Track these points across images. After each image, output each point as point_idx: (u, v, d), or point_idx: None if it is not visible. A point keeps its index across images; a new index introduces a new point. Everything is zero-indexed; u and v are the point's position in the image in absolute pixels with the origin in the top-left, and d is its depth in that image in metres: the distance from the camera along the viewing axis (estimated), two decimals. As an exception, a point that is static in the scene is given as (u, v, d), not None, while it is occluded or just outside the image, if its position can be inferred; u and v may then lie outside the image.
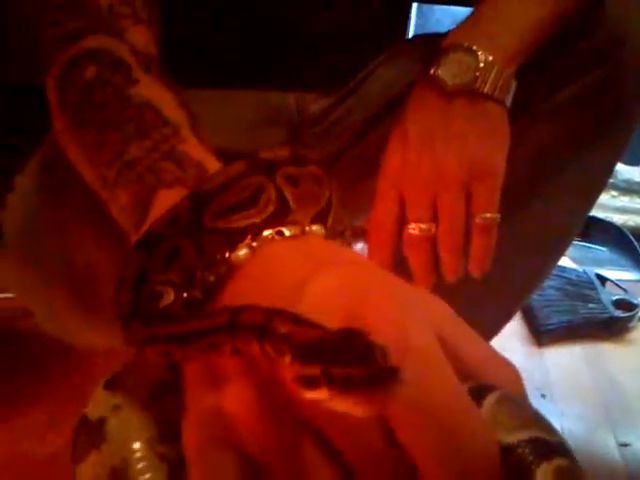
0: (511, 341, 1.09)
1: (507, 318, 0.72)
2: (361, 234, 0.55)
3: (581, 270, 1.33)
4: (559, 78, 0.56)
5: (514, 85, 0.49)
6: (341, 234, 0.31)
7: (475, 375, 0.24)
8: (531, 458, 0.22)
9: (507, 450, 0.22)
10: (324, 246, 0.28)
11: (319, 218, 0.29)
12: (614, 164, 0.63)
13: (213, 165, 0.32)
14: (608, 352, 1.10)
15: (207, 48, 0.64)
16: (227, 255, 0.26)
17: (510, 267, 0.64)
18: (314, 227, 0.28)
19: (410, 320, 0.23)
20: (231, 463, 0.23)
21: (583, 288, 1.26)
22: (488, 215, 0.48)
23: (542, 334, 1.12)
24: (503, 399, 0.23)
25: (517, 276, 0.64)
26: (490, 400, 0.23)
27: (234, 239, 0.26)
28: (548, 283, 1.25)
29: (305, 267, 0.25)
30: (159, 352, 0.24)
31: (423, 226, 0.48)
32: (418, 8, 1.53)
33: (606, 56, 0.55)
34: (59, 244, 0.49)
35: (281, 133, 0.70)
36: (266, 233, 0.27)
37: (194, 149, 0.34)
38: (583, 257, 1.46)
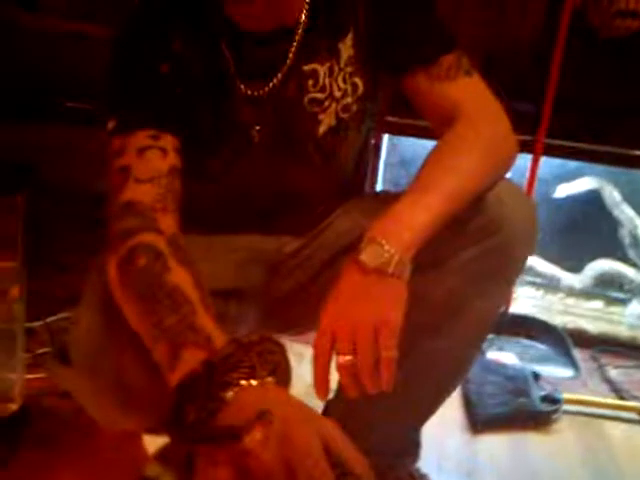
0: (450, 428, 1.31)
1: (429, 413, 0.95)
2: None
3: (520, 367, 1.55)
4: (459, 245, 0.80)
5: (410, 266, 0.69)
6: (284, 380, 0.55)
7: (344, 464, 0.48)
8: None
9: None
10: (273, 391, 0.53)
11: (272, 371, 0.54)
12: (500, 307, 0.87)
13: (216, 333, 0.57)
14: (532, 441, 1.30)
15: (209, 208, 0.88)
16: (222, 395, 0.50)
17: (423, 380, 0.87)
18: (269, 378, 0.53)
19: (309, 432, 0.47)
20: None
21: (519, 383, 1.46)
22: (388, 354, 0.66)
23: (477, 423, 1.32)
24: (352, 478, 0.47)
25: (427, 389, 0.89)
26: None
27: (226, 387, 0.51)
28: (489, 377, 1.47)
29: (260, 404, 0.49)
30: (184, 445, 0.48)
31: (347, 357, 0.67)
32: (391, 139, 1.82)
33: (490, 233, 0.79)
34: (111, 364, 0.70)
35: (262, 269, 0.94)
36: (243, 383, 0.51)
37: (205, 321, 0.59)
38: (525, 354, 1.68)
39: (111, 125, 0.77)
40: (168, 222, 0.72)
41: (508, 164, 0.81)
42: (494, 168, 0.78)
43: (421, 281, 0.76)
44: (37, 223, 1.26)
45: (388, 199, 0.74)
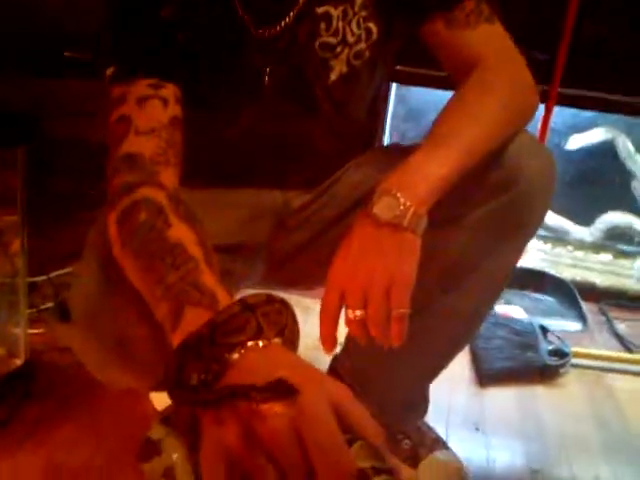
0: (458, 381, 1.30)
1: (439, 369, 0.94)
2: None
3: (527, 321, 1.54)
4: (476, 200, 0.76)
5: (425, 220, 0.66)
6: (291, 342, 0.53)
7: (354, 428, 0.45)
8: (371, 475, 0.44)
9: (361, 470, 0.44)
10: (280, 353, 0.50)
11: (280, 333, 0.51)
12: (515, 264, 0.84)
13: (220, 292, 0.54)
14: (539, 395, 1.30)
15: (214, 160, 0.84)
16: (227, 356, 0.48)
17: (434, 337, 0.86)
18: (276, 339, 0.50)
19: (319, 396, 0.45)
20: (224, 469, 0.44)
21: (526, 337, 1.46)
22: (401, 310, 0.64)
23: (484, 377, 1.32)
24: (364, 445, 0.45)
25: (438, 345, 0.87)
26: (356, 445, 0.45)
27: (232, 348, 0.48)
28: (496, 332, 1.46)
29: (267, 366, 0.47)
30: (188, 408, 0.46)
31: (357, 312, 0.65)
32: (399, 89, 1.76)
33: (508, 186, 0.75)
34: (111, 322, 0.68)
35: (269, 224, 0.91)
36: (249, 344, 0.48)
37: (209, 280, 0.56)
38: (533, 308, 1.67)
39: (110, 72, 0.73)
40: (169, 176, 0.69)
41: (529, 115, 0.78)
42: (515, 118, 0.75)
43: (437, 237, 0.74)
44: (40, 176, 1.23)
45: (402, 152, 0.71)
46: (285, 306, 0.53)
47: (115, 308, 0.67)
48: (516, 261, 0.85)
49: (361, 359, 0.96)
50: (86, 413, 1.07)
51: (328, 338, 0.67)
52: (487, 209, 0.76)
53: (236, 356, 0.47)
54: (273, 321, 0.51)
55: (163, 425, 0.49)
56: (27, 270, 1.18)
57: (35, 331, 1.21)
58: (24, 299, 1.16)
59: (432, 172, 0.67)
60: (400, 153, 0.71)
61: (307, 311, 1.51)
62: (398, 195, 0.66)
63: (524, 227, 0.80)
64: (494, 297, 0.87)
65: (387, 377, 0.93)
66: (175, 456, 0.48)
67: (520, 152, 0.76)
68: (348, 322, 0.67)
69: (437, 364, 0.92)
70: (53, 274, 1.41)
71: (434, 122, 0.72)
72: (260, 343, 0.49)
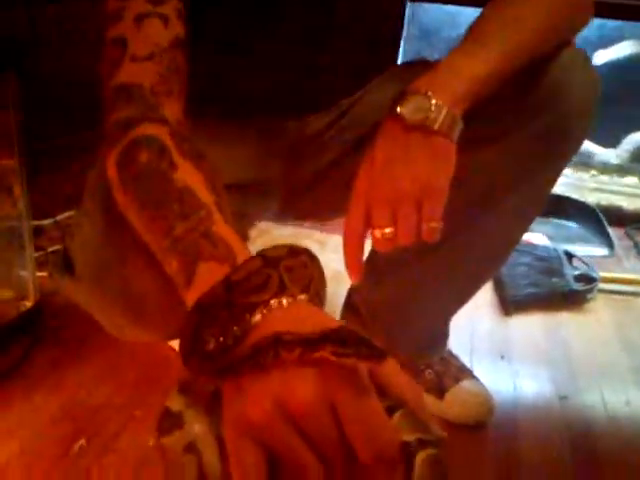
0: (482, 310, 1.26)
1: (465, 299, 0.89)
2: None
3: (552, 247, 1.48)
4: (516, 119, 0.69)
5: (460, 124, 0.59)
6: (318, 296, 0.46)
7: (393, 393, 0.40)
8: (415, 448, 0.38)
9: (405, 444, 0.38)
10: (307, 311, 0.43)
11: (305, 288, 0.44)
12: (551, 188, 0.78)
13: (236, 243, 0.47)
14: (565, 321, 1.26)
15: (221, 86, 0.76)
16: (248, 318, 0.41)
17: (464, 264, 0.81)
18: (301, 296, 0.43)
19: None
20: (251, 447, 0.38)
21: (551, 263, 1.41)
22: (433, 224, 0.59)
23: (509, 304, 1.28)
24: (405, 413, 0.40)
25: (467, 274, 0.82)
26: (398, 414, 0.39)
27: (253, 308, 0.42)
28: (520, 259, 1.41)
29: (294, 327, 0.40)
30: (206, 377, 0.41)
31: (386, 231, 0.59)
32: (411, 7, 1.64)
33: (549, 106, 0.68)
34: (118, 275, 0.62)
35: (283, 155, 0.82)
36: (272, 302, 0.42)
37: (222, 229, 0.48)
38: (557, 234, 1.61)
39: None
40: (172, 108, 0.61)
41: (579, 25, 0.70)
42: (564, 26, 0.67)
43: (473, 157, 0.68)
44: (40, 115, 1.16)
45: (430, 66, 0.63)
46: (311, 257, 0.46)
47: (121, 259, 0.61)
48: (552, 185, 0.79)
49: (380, 291, 0.90)
50: (102, 354, 1.04)
51: (354, 264, 0.61)
52: (527, 130, 0.69)
53: (258, 317, 0.41)
54: (298, 276, 0.44)
55: (182, 394, 0.44)
56: (31, 212, 1.13)
57: (43, 274, 1.17)
58: (30, 241, 1.12)
59: (469, 71, 0.60)
60: (428, 68, 0.63)
61: (321, 245, 1.46)
62: (429, 94, 0.58)
63: (563, 150, 0.72)
64: (527, 223, 0.81)
65: (408, 310, 0.88)
66: (197, 430, 0.42)
67: (565, 70, 0.68)
68: (375, 242, 0.61)
69: (464, 293, 0.87)
70: (60, 217, 1.37)
71: (473, 22, 0.65)
72: (284, 301, 0.42)
